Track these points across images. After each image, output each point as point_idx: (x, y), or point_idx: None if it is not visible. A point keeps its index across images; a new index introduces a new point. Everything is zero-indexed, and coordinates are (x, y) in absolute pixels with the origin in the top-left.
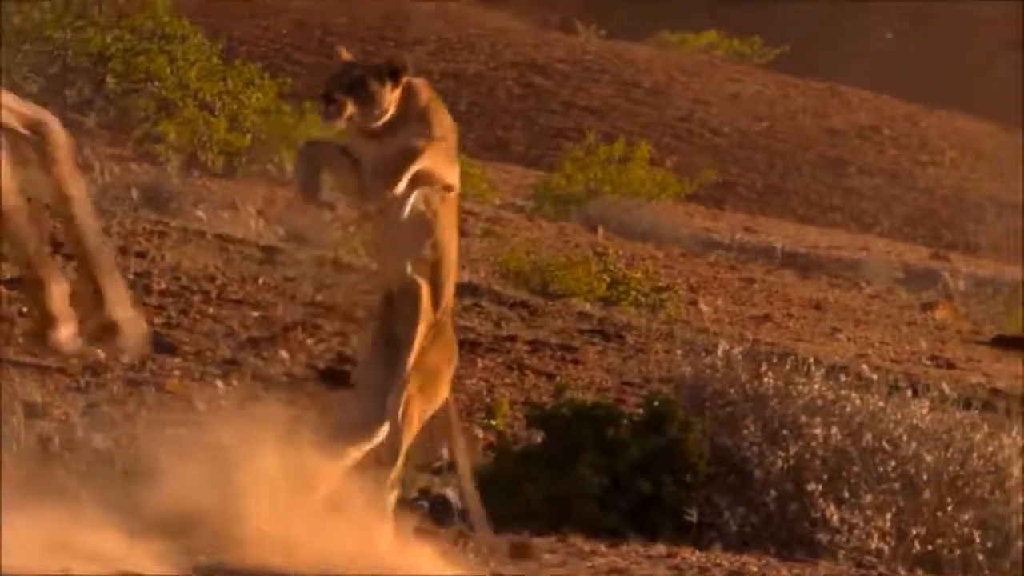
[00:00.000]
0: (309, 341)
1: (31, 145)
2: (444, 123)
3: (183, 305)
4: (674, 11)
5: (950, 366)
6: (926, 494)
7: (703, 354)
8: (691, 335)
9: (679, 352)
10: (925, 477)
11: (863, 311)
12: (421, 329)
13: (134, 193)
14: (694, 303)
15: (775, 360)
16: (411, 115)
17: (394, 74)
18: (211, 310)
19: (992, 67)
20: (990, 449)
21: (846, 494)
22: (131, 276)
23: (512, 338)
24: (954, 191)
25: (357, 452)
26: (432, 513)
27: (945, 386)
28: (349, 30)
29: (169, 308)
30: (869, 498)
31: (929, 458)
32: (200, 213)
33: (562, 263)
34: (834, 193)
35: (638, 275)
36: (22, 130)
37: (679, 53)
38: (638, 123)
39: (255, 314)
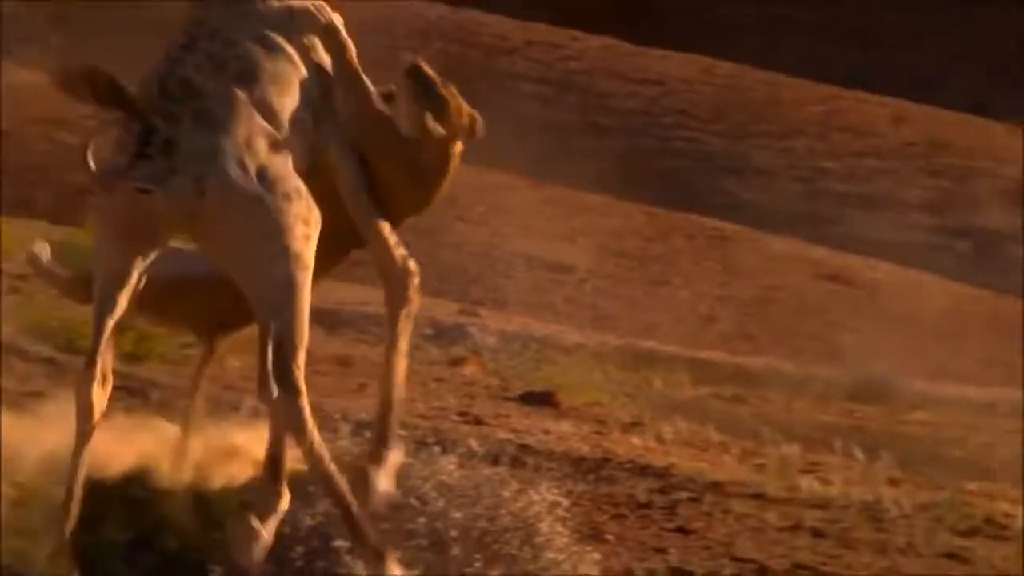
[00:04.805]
0: None
1: None
2: None
3: None
4: None
5: (478, 422)
6: (454, 551)
7: (230, 411)
8: (219, 392)
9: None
10: (454, 534)
11: None
12: None
13: None
14: (223, 360)
15: None
16: None
17: None
18: None
19: (521, 122)
20: (519, 505)
21: None
22: None
23: (39, 394)
24: (483, 246)
25: None
26: None
27: (473, 442)
28: None
29: None
30: (397, 555)
31: (458, 515)
32: None
33: (88, 319)
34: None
35: (163, 331)
36: None
37: None
38: None
39: None
